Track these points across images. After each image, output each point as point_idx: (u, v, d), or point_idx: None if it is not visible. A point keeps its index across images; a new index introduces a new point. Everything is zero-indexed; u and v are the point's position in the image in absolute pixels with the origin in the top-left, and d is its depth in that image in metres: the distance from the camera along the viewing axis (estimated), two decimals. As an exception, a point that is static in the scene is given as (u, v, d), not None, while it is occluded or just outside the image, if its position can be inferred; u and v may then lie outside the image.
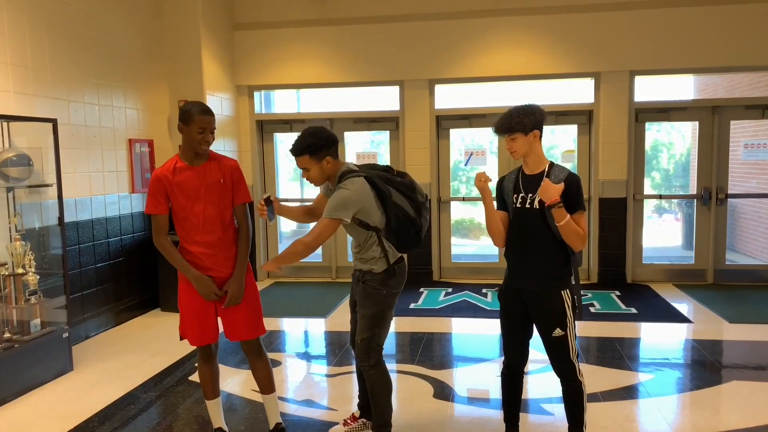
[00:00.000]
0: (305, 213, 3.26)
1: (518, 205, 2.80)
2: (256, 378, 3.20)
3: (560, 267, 2.77)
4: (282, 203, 3.17)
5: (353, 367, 3.41)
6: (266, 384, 3.18)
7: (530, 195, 2.76)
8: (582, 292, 3.05)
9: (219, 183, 2.97)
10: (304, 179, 3.02)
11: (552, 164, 2.80)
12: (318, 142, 2.90)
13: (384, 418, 3.08)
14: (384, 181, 2.97)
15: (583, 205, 2.74)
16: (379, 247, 2.96)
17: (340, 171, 2.98)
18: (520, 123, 2.69)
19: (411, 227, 2.99)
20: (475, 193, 7.87)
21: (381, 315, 3.01)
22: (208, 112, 2.91)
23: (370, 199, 2.90)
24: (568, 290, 2.78)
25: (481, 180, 2.79)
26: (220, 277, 3.01)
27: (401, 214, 2.96)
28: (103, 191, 5.51)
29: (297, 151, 2.92)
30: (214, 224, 2.96)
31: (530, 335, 2.91)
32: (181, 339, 3.09)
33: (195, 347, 3.12)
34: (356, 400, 3.44)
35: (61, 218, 4.41)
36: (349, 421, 3.34)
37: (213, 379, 3.16)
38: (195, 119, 2.87)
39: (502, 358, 3.02)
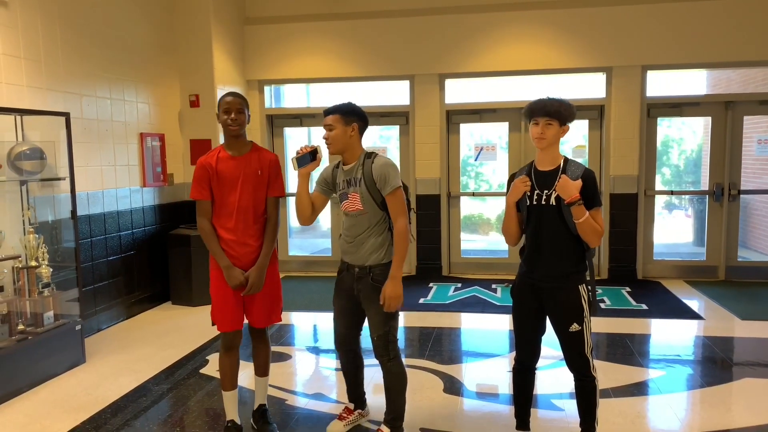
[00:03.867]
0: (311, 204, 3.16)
1: (534, 203, 2.77)
2: (255, 360, 3.32)
3: (577, 262, 2.76)
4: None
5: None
6: (264, 367, 3.32)
7: (545, 191, 2.73)
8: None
9: (257, 174, 3.08)
10: (323, 139, 3.01)
11: (567, 159, 2.77)
12: (352, 108, 3.01)
13: (398, 411, 3.10)
14: None
15: (600, 201, 2.73)
16: (389, 232, 3.02)
17: (362, 152, 3.03)
18: (567, 110, 2.67)
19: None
20: (485, 188, 7.87)
21: None
22: (230, 95, 3.07)
23: None
24: (584, 285, 2.76)
25: (526, 184, 2.78)
26: (246, 267, 3.09)
27: (407, 206, 3.03)
28: (114, 185, 5.54)
29: (330, 109, 3.00)
30: (246, 213, 3.07)
31: (543, 331, 2.90)
32: (213, 324, 3.16)
33: (219, 333, 3.16)
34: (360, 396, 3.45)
35: (73, 211, 4.45)
36: (344, 414, 3.34)
37: (233, 370, 3.20)
38: (220, 103, 3.05)
39: (514, 353, 3.01)
